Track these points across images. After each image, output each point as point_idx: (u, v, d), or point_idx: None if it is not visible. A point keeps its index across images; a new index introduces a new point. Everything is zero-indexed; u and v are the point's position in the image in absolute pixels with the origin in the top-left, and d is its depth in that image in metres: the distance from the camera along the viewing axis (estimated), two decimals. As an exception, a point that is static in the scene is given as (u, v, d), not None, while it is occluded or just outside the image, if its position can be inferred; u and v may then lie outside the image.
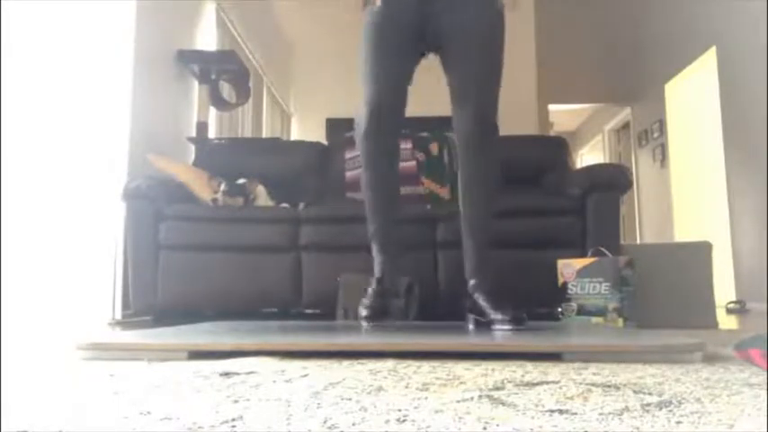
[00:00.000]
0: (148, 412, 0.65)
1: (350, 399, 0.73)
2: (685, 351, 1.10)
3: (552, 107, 7.57)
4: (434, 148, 3.06)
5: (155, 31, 3.29)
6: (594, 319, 2.18)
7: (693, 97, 5.99)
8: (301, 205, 2.80)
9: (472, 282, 1.75)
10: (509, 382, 0.85)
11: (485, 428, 0.58)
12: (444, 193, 2.96)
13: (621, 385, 0.82)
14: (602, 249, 2.28)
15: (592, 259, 2.25)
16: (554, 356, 1.10)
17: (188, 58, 3.71)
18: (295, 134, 6.59)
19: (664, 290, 2.44)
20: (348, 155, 3.13)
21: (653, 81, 6.70)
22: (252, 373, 0.93)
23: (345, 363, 1.04)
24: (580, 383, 0.83)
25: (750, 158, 4.81)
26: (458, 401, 0.71)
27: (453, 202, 2.00)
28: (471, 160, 1.78)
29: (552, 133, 7.73)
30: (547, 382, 0.84)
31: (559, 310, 2.28)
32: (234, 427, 0.59)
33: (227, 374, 0.91)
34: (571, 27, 7.24)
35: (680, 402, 0.70)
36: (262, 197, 2.87)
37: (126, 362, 1.08)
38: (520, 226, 2.51)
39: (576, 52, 7.26)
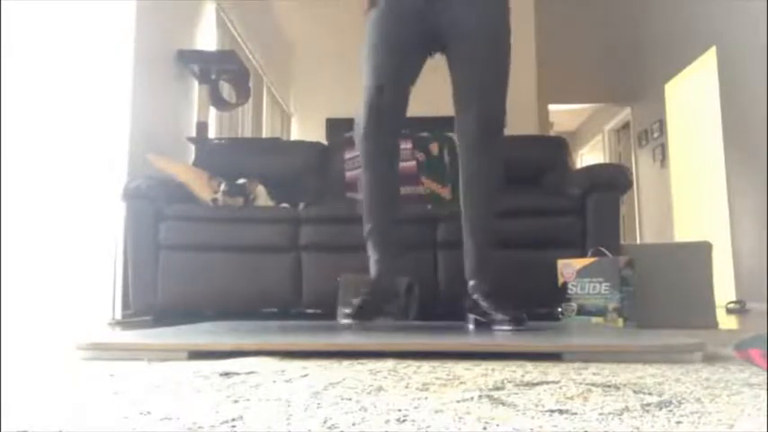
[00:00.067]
0: (148, 412, 0.65)
1: (350, 399, 0.73)
2: (685, 351, 1.10)
3: (552, 107, 7.57)
4: (434, 148, 3.05)
5: (155, 31, 3.29)
6: (594, 319, 2.18)
7: (693, 97, 5.99)
8: (301, 205, 2.80)
9: (472, 282, 1.75)
10: (509, 382, 0.85)
11: (485, 428, 0.58)
12: (445, 193, 2.96)
13: (621, 385, 0.82)
14: (602, 249, 2.28)
15: (592, 259, 2.25)
16: (554, 356, 1.10)
17: (188, 58, 3.71)
18: (295, 134, 6.59)
19: (664, 290, 2.43)
20: (348, 155, 3.13)
21: (653, 81, 6.70)
22: (252, 373, 0.93)
23: (345, 363, 1.04)
24: (580, 383, 0.83)
25: (750, 158, 4.81)
26: (458, 401, 0.71)
27: (454, 202, 2.00)
28: (473, 160, 1.77)
29: (552, 133, 7.72)
30: (547, 382, 0.84)
31: (559, 310, 2.28)
32: (234, 427, 0.59)
33: (227, 374, 0.91)
34: (571, 27, 7.24)
35: (680, 402, 0.70)
36: (262, 197, 2.87)
37: (126, 362, 1.08)
38: (520, 226, 2.51)
39: (576, 52, 7.26)
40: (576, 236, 2.53)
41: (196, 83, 3.86)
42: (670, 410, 0.66)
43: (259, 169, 3.04)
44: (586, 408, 0.67)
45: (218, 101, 3.94)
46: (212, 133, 4.12)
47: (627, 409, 0.67)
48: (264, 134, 5.64)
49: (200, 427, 0.58)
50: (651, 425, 0.60)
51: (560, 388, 0.80)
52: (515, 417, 0.63)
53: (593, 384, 0.82)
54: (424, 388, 0.80)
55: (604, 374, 0.92)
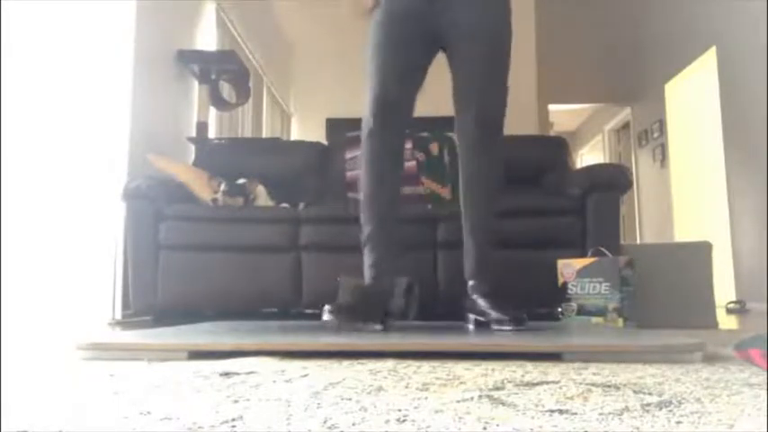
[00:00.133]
0: (148, 412, 0.65)
1: (350, 399, 0.72)
2: (685, 351, 1.10)
3: (552, 107, 7.57)
4: (434, 148, 3.06)
5: (155, 31, 3.29)
6: (594, 319, 2.18)
7: (693, 97, 5.99)
8: (301, 205, 2.80)
9: (472, 282, 1.75)
10: (509, 382, 0.85)
11: (485, 428, 0.58)
12: (445, 193, 2.96)
13: (621, 385, 0.82)
14: (602, 249, 2.28)
15: (592, 259, 2.25)
16: (554, 356, 1.10)
17: (188, 58, 3.71)
18: (295, 134, 6.59)
19: (664, 290, 2.44)
20: (348, 155, 3.13)
21: (653, 81, 6.70)
22: (252, 373, 0.93)
23: (345, 363, 1.04)
24: (580, 383, 0.83)
25: (750, 158, 4.81)
26: (458, 401, 0.71)
27: (454, 202, 2.00)
28: (473, 160, 1.77)
29: (552, 133, 7.73)
30: (547, 382, 0.84)
31: (559, 310, 2.28)
32: (234, 427, 0.59)
33: (227, 374, 0.91)
34: (571, 27, 7.25)
35: (680, 402, 0.70)
36: (262, 197, 2.87)
37: (126, 362, 1.08)
38: (520, 226, 2.51)
39: (576, 52, 7.26)
40: (575, 236, 2.53)
41: (196, 83, 3.86)
42: (670, 410, 0.66)
43: (259, 169, 3.04)
44: (586, 408, 0.67)
45: (218, 101, 3.94)
46: (212, 133, 4.12)
47: (627, 409, 0.67)
48: (264, 134, 5.64)
49: (200, 427, 0.58)
50: (651, 425, 0.60)
51: (560, 388, 0.80)
52: (515, 417, 0.63)
53: (593, 384, 0.82)
54: (424, 388, 0.80)
55: (604, 374, 0.92)
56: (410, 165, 2.94)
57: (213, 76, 3.87)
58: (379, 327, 1.55)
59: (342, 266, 2.47)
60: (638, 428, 0.58)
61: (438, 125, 2.95)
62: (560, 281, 2.29)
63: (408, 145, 2.97)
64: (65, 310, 2.64)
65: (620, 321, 2.13)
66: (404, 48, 1.75)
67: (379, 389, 0.79)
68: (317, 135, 5.89)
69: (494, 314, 1.60)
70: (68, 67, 2.82)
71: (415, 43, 1.76)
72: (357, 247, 2.43)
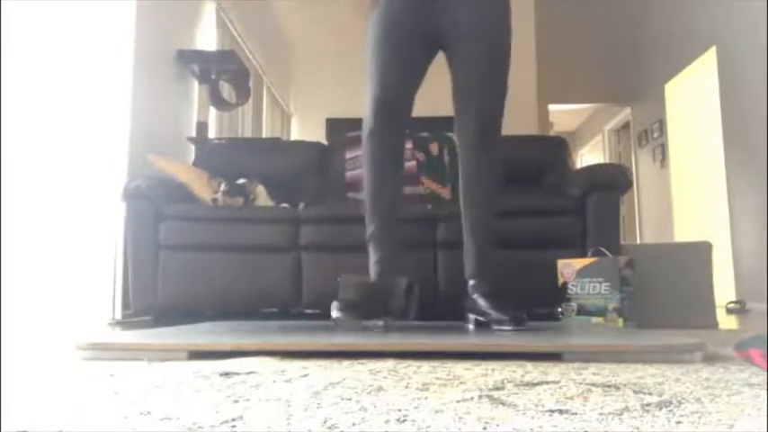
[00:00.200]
0: (148, 412, 0.65)
1: (350, 399, 0.72)
2: (685, 351, 1.10)
3: (552, 107, 7.57)
4: (434, 148, 3.06)
5: (155, 31, 3.29)
6: (594, 319, 2.18)
7: (693, 97, 5.99)
8: (301, 205, 2.80)
9: (472, 282, 1.75)
10: (509, 382, 0.85)
11: (485, 428, 0.58)
12: (445, 193, 2.96)
13: (621, 385, 0.82)
14: (602, 249, 2.28)
15: (592, 259, 2.25)
16: (554, 356, 1.10)
17: (188, 58, 3.71)
18: (295, 134, 6.59)
19: (664, 290, 2.44)
20: (348, 155, 3.13)
21: (653, 81, 6.70)
22: (252, 373, 0.93)
23: (345, 363, 1.04)
24: (580, 383, 0.83)
25: (750, 158, 4.81)
26: (458, 401, 0.71)
27: (454, 202, 2.00)
28: (472, 160, 1.77)
29: (552, 133, 7.73)
30: (547, 382, 0.84)
31: (559, 310, 2.28)
32: (234, 427, 0.59)
33: (227, 374, 0.91)
34: (571, 27, 7.25)
35: (680, 402, 0.70)
36: (262, 197, 2.87)
37: (126, 362, 1.08)
38: (520, 226, 2.51)
39: (576, 52, 7.26)
40: (576, 236, 2.53)
41: (196, 83, 3.86)
42: (670, 410, 0.66)
43: (259, 169, 3.04)
44: (586, 408, 0.67)
45: (218, 101, 3.94)
46: (212, 133, 4.12)
47: (627, 409, 0.67)
48: (264, 134, 5.64)
49: (200, 427, 0.58)
50: (651, 425, 0.60)
51: (560, 388, 0.80)
52: (515, 417, 0.63)
53: (593, 384, 0.82)
54: (424, 388, 0.80)
55: (604, 374, 0.92)
56: (410, 165, 2.94)
57: (213, 76, 3.87)
58: (380, 323, 1.56)
59: (342, 266, 2.47)
60: (638, 428, 0.58)
61: (438, 125, 2.96)
62: (560, 281, 2.29)
63: (408, 145, 2.97)
64: (65, 310, 2.64)
65: (620, 321, 2.13)
66: (404, 48, 1.75)
67: (379, 389, 0.79)
68: (317, 135, 5.89)
69: (494, 314, 1.60)
70: (68, 67, 2.82)
71: (415, 43, 1.76)
72: (357, 246, 2.43)
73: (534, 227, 2.56)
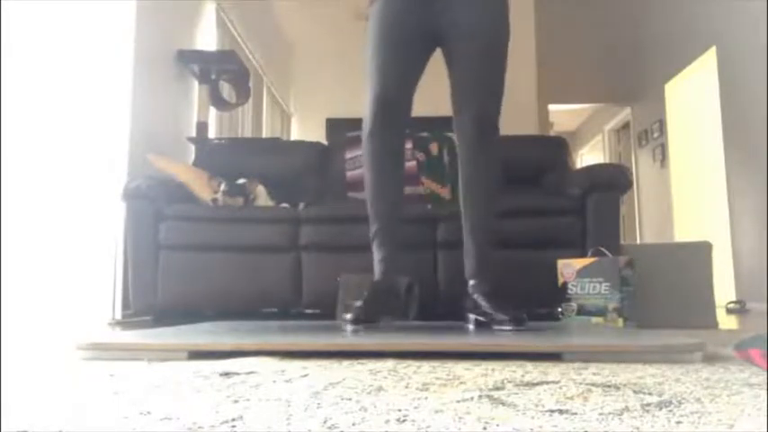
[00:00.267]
0: (148, 412, 0.65)
1: (350, 399, 0.72)
2: (685, 351, 1.10)
3: (552, 107, 7.57)
4: (434, 148, 3.06)
5: (155, 31, 3.29)
6: (594, 319, 2.18)
7: (693, 97, 5.99)
8: (301, 205, 2.80)
9: (472, 282, 1.75)
10: (509, 382, 0.85)
11: (485, 428, 0.58)
12: (445, 193, 2.96)
13: (621, 385, 0.82)
14: (602, 249, 2.28)
15: (592, 259, 2.25)
16: (554, 356, 1.10)
17: (188, 58, 3.71)
18: (295, 134, 6.59)
19: (664, 290, 2.44)
20: (348, 155, 3.13)
21: (653, 81, 6.70)
22: (252, 373, 0.93)
23: (345, 363, 1.04)
24: (580, 383, 0.83)
25: (750, 158, 4.81)
26: (458, 401, 0.71)
27: (454, 202, 2.00)
28: (471, 160, 1.77)
29: (552, 133, 7.73)
30: (547, 382, 0.84)
31: (559, 310, 2.28)
32: (234, 427, 0.59)
33: (227, 374, 0.91)
34: (571, 27, 7.25)
35: (680, 402, 0.70)
36: (262, 197, 2.87)
37: (126, 362, 1.08)
38: (520, 226, 2.51)
39: (576, 52, 7.26)
40: (576, 236, 2.53)
41: (196, 83, 3.86)
42: (670, 410, 0.66)
43: (259, 169, 3.04)
44: (586, 408, 0.67)
45: (218, 101, 3.94)
46: (212, 133, 4.12)
47: (627, 409, 0.67)
48: (264, 134, 5.64)
49: (200, 427, 0.58)
50: (651, 425, 0.60)
51: (560, 388, 0.80)
52: (515, 417, 0.63)
53: (593, 384, 0.82)
54: (424, 388, 0.80)
55: (604, 374, 0.92)
56: (410, 165, 2.94)
57: (213, 76, 3.87)
58: (390, 321, 1.60)
59: (342, 266, 2.48)
60: (638, 428, 0.58)
61: (438, 125, 2.95)
62: (560, 281, 2.29)
63: (408, 145, 2.97)
64: (65, 310, 2.64)
65: (620, 321, 2.13)
66: (403, 47, 1.75)
67: (379, 389, 0.79)
68: (317, 135, 5.89)
69: (494, 314, 1.60)
70: (69, 67, 2.82)
71: (415, 42, 1.76)
72: (357, 246, 2.43)
73: (534, 227, 2.56)
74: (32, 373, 0.98)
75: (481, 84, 1.74)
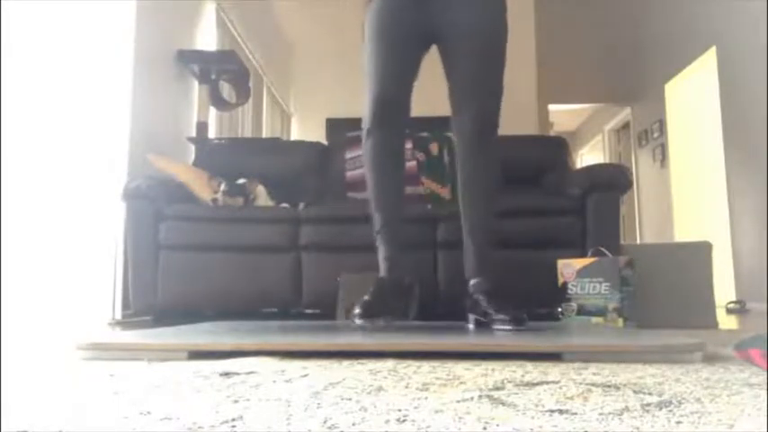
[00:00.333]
0: (148, 412, 0.65)
1: (350, 399, 0.72)
2: (685, 351, 1.10)
3: (552, 107, 7.57)
4: (434, 148, 3.06)
5: (155, 31, 3.29)
6: (594, 319, 2.18)
7: (693, 97, 5.99)
8: (301, 205, 2.80)
9: (473, 282, 1.75)
10: (509, 382, 0.85)
11: (485, 428, 0.58)
12: (445, 192, 2.96)
13: (621, 385, 0.82)
14: (602, 249, 2.28)
15: (592, 259, 2.25)
16: (554, 356, 1.10)
17: (188, 58, 3.71)
18: (295, 134, 6.59)
19: (664, 290, 2.43)
20: (348, 155, 3.13)
21: (653, 81, 6.70)
22: (252, 373, 0.93)
23: (345, 363, 1.04)
24: (580, 383, 0.83)
25: (750, 158, 4.81)
26: (458, 401, 0.71)
27: (454, 202, 2.00)
28: (470, 161, 1.77)
29: (552, 133, 7.73)
30: (547, 382, 0.84)
31: (559, 310, 2.28)
32: (234, 427, 0.59)
33: (227, 374, 0.91)
34: (571, 27, 7.25)
35: (680, 402, 0.70)
36: (262, 197, 2.87)
37: (126, 362, 1.08)
38: (520, 226, 2.51)
39: (576, 52, 7.26)
40: (576, 236, 2.53)
41: (196, 83, 3.86)
42: (670, 410, 0.66)
43: (259, 169, 3.04)
44: (586, 408, 0.67)
45: (218, 101, 3.94)
46: (212, 133, 4.12)
47: (627, 409, 0.67)
48: (264, 134, 5.64)
49: (200, 427, 0.58)
50: (651, 425, 0.60)
51: (560, 388, 0.80)
52: (515, 417, 0.63)
53: (593, 384, 0.82)
54: (424, 388, 0.80)
55: (604, 374, 0.92)
56: (410, 165, 2.94)
57: (213, 76, 3.87)
58: (391, 320, 1.60)
59: (342, 266, 2.48)
60: (638, 428, 0.58)
61: (438, 125, 2.95)
62: (560, 281, 2.29)
63: (408, 145, 2.97)
64: (65, 310, 2.64)
65: (620, 321, 2.13)
66: (401, 46, 1.75)
67: (379, 389, 0.79)
68: (317, 135, 5.89)
69: (494, 314, 1.60)
70: (69, 67, 2.82)
71: (412, 41, 1.76)
72: (357, 246, 2.43)
73: (534, 227, 2.56)
74: (32, 373, 0.98)
75: (479, 84, 1.74)
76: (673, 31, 6.21)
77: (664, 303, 2.40)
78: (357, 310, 1.59)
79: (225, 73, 3.94)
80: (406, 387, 0.81)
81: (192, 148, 3.61)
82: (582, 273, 2.24)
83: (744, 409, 0.67)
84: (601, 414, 0.64)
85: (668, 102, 6.43)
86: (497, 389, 0.79)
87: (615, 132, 8.41)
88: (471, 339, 1.34)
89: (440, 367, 0.98)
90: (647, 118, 7.00)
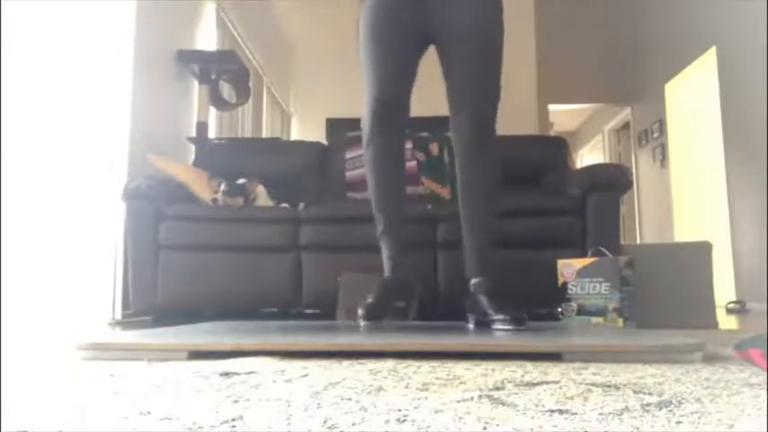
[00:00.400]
0: (148, 412, 0.65)
1: (350, 399, 0.72)
2: (685, 351, 1.10)
3: (552, 107, 7.57)
4: (434, 148, 3.06)
5: (155, 31, 3.29)
6: (594, 319, 2.18)
7: (693, 97, 5.99)
8: (301, 205, 2.80)
9: (473, 281, 1.75)
10: (509, 382, 0.85)
11: (485, 428, 0.58)
12: (445, 193, 2.96)
13: (621, 385, 0.82)
14: (602, 249, 2.28)
15: (592, 259, 2.25)
16: (554, 356, 1.10)
17: (188, 58, 3.71)
18: (295, 134, 6.59)
19: (664, 290, 2.43)
20: (348, 155, 3.13)
21: (653, 81, 6.70)
22: (252, 373, 0.93)
23: (345, 363, 1.04)
24: (580, 383, 0.83)
25: (750, 158, 4.81)
26: (458, 401, 0.71)
27: (454, 202, 2.00)
28: (469, 162, 1.77)
29: (552, 133, 7.73)
30: (547, 382, 0.84)
31: (559, 310, 2.28)
32: (234, 427, 0.59)
33: (227, 374, 0.91)
34: (571, 27, 7.25)
35: (680, 402, 0.70)
36: (262, 197, 2.87)
37: (126, 362, 1.08)
38: (520, 226, 2.51)
39: (576, 52, 7.26)
40: (576, 236, 2.53)
41: (196, 83, 3.86)
42: (670, 410, 0.66)
43: (259, 169, 3.04)
44: (586, 408, 0.67)
45: (218, 101, 3.94)
46: (212, 133, 4.12)
47: (627, 409, 0.67)
48: (264, 134, 5.64)
49: (200, 427, 0.58)
50: (651, 425, 0.60)
51: (560, 388, 0.80)
52: (515, 417, 0.63)
53: (593, 384, 0.82)
54: (424, 388, 0.80)
55: (604, 374, 0.92)
56: (410, 165, 2.94)
57: (213, 76, 3.87)
58: (391, 321, 1.62)
59: (342, 266, 2.48)
60: (638, 428, 0.58)
61: (438, 125, 2.95)
62: (560, 281, 2.29)
63: (408, 145, 2.97)
64: (65, 310, 2.64)
65: (620, 321, 2.13)
66: (399, 46, 1.75)
67: (379, 389, 0.79)
68: (317, 135, 5.89)
69: (494, 314, 1.60)
70: (69, 67, 2.82)
71: (410, 41, 1.77)
72: (357, 246, 2.44)
73: (534, 227, 2.56)
74: (32, 373, 0.98)
75: (477, 85, 1.74)
76: (673, 31, 6.21)
77: (664, 303, 2.40)
78: (361, 312, 1.60)
79: (225, 73, 3.94)
80: (406, 387, 0.81)
81: (192, 148, 3.61)
82: (582, 273, 2.24)
83: (744, 409, 0.67)
84: (601, 414, 0.64)
85: (668, 102, 6.43)
86: (497, 389, 0.79)
87: (615, 132, 8.41)
88: (471, 339, 1.34)
89: (440, 367, 0.98)
90: (647, 118, 7.00)
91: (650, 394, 0.75)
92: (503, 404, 0.69)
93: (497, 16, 1.78)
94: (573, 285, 2.25)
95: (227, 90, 4.15)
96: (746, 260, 4.86)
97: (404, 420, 0.61)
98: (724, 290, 4.63)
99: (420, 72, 1.83)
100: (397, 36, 1.75)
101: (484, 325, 1.63)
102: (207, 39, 4.20)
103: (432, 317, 2.13)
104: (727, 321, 2.92)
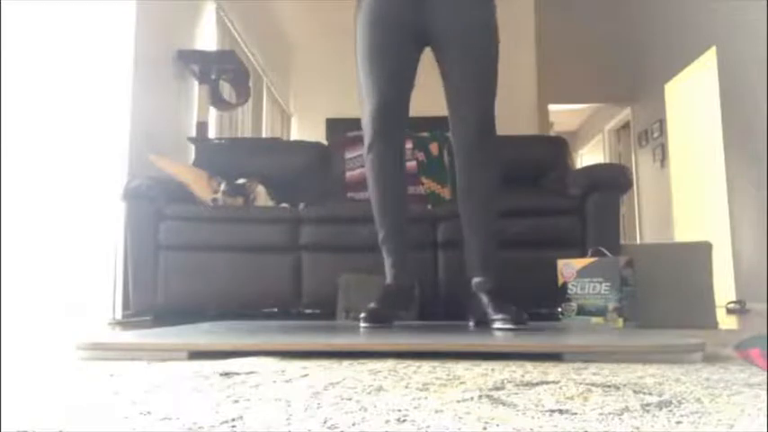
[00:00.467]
0: (148, 412, 0.65)
1: (350, 399, 0.72)
2: (685, 351, 1.10)
3: (552, 107, 7.57)
4: (434, 148, 3.05)
5: (155, 31, 3.29)
6: (594, 319, 2.18)
7: (693, 97, 5.99)
8: (301, 205, 2.80)
9: (475, 280, 1.75)
10: (509, 382, 0.85)
11: (485, 428, 0.58)
12: (445, 192, 2.96)
13: (621, 385, 0.82)
14: (602, 249, 2.28)
15: (592, 259, 2.25)
16: (554, 356, 1.10)
17: (188, 58, 3.71)
18: (295, 134, 6.59)
19: (664, 290, 2.43)
20: (348, 155, 3.13)
21: (653, 81, 6.70)
22: (252, 373, 0.93)
23: (345, 363, 1.04)
24: (580, 383, 0.83)
25: (750, 158, 4.81)
26: (458, 401, 0.71)
27: (454, 202, 2.00)
28: (469, 164, 1.77)
29: (552, 133, 7.73)
30: (547, 382, 0.84)
31: (559, 310, 2.28)
32: (234, 427, 0.59)
33: (227, 374, 0.91)
34: (571, 27, 7.25)
35: (680, 402, 0.70)
36: (262, 197, 2.87)
37: (126, 362, 1.08)
38: (520, 226, 2.51)
39: (576, 52, 7.26)
40: (575, 236, 2.53)
41: (196, 83, 3.86)
42: (670, 410, 0.66)
43: (259, 169, 3.04)
44: (586, 408, 0.67)
45: (218, 101, 3.94)
46: (212, 133, 4.12)
47: (627, 409, 0.67)
48: (264, 134, 5.64)
49: (200, 427, 0.58)
50: (651, 425, 0.60)
51: (560, 388, 0.80)
52: (515, 417, 0.63)
53: (593, 384, 0.82)
54: (424, 388, 0.80)
55: (604, 374, 0.92)
56: (410, 165, 2.94)
57: (213, 76, 3.87)
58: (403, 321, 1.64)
59: (342, 266, 2.48)
60: (638, 428, 0.58)
61: (438, 125, 2.95)
62: (560, 281, 2.29)
63: (408, 145, 2.97)
64: (65, 310, 2.64)
65: (620, 321, 2.13)
66: (397, 49, 1.75)
67: (379, 389, 0.79)
68: (317, 135, 5.89)
69: (494, 314, 1.60)
70: (69, 67, 2.82)
71: (407, 43, 1.76)
72: (357, 246, 2.44)
73: (534, 227, 2.56)
74: (32, 373, 0.98)
75: (475, 85, 1.74)
76: (673, 31, 6.21)
77: (664, 303, 2.40)
78: (363, 316, 1.61)
79: (225, 73, 3.94)
80: (406, 387, 0.81)
81: (192, 148, 3.61)
82: (582, 273, 2.23)
83: (744, 409, 0.67)
84: (601, 414, 0.64)
85: (668, 102, 6.43)
86: (497, 389, 0.79)
87: (615, 132, 8.41)
88: (471, 339, 1.34)
89: (440, 367, 0.98)
90: (647, 118, 7.00)
91: (650, 394, 0.75)
92: (503, 404, 0.69)
93: (492, 17, 1.78)
94: (573, 285, 2.25)
95: (227, 90, 4.15)
96: (746, 260, 4.86)
97: (404, 420, 0.61)
98: (724, 290, 4.63)
99: (419, 72, 1.83)
100: (396, 39, 1.75)
101: (484, 325, 1.63)
102: (207, 39, 4.20)
103: (432, 317, 2.13)
104: (727, 321, 2.92)
